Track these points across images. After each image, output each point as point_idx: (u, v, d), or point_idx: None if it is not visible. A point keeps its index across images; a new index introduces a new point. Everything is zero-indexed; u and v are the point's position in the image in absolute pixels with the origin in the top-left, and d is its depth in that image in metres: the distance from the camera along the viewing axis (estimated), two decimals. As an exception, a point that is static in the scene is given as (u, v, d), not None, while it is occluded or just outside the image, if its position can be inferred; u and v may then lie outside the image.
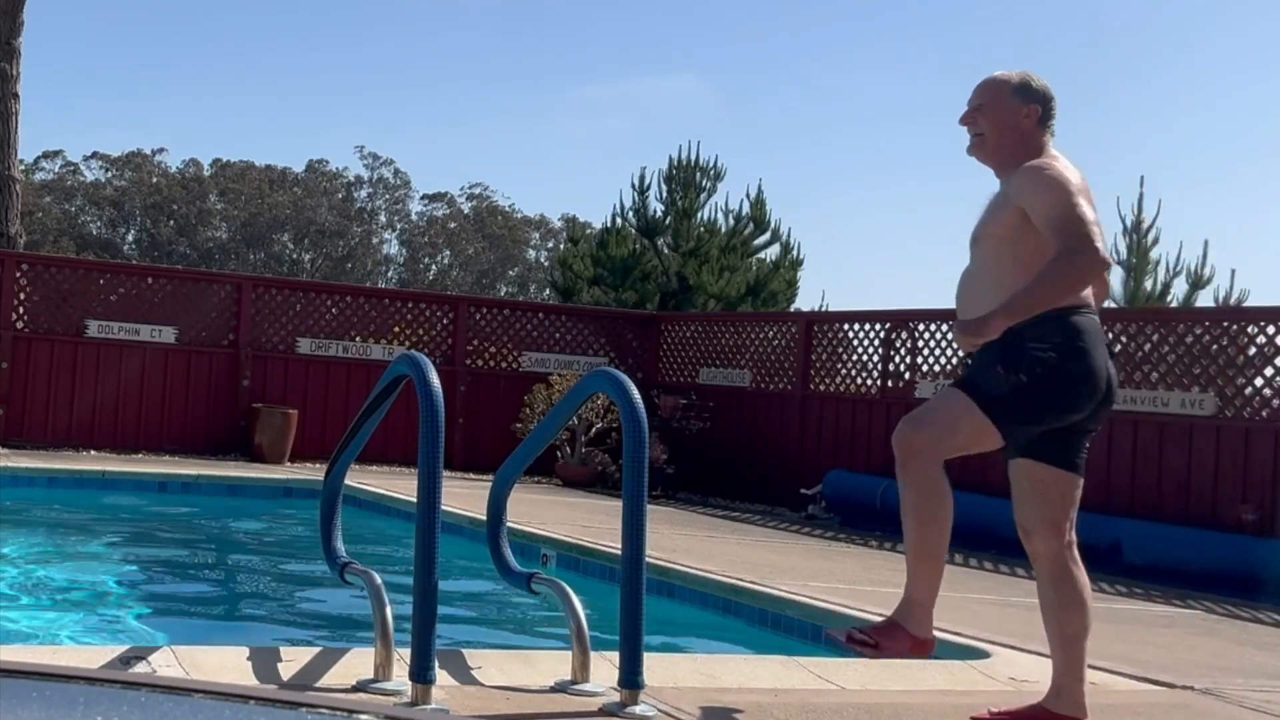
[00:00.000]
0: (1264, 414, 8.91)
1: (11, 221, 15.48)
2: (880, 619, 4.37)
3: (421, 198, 60.58)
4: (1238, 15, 72.88)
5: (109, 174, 57.09)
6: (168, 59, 77.12)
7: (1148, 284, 15.88)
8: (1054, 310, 3.87)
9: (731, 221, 18.97)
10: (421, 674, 3.62)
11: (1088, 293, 3.97)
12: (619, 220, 19.19)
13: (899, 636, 4.07)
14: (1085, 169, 4.05)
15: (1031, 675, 4.84)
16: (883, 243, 77.66)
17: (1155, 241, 15.99)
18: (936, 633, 5.38)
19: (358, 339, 13.56)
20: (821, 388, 12.49)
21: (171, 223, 55.57)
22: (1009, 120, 4.06)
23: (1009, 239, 3.99)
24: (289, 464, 12.39)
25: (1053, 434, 3.96)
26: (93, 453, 12.04)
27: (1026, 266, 3.88)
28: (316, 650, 4.17)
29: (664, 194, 18.98)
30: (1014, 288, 3.88)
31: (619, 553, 3.96)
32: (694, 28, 79.44)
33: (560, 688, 4.03)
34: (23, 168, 17.78)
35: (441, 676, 3.83)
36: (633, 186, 19.11)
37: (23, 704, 1.09)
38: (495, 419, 13.21)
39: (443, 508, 3.85)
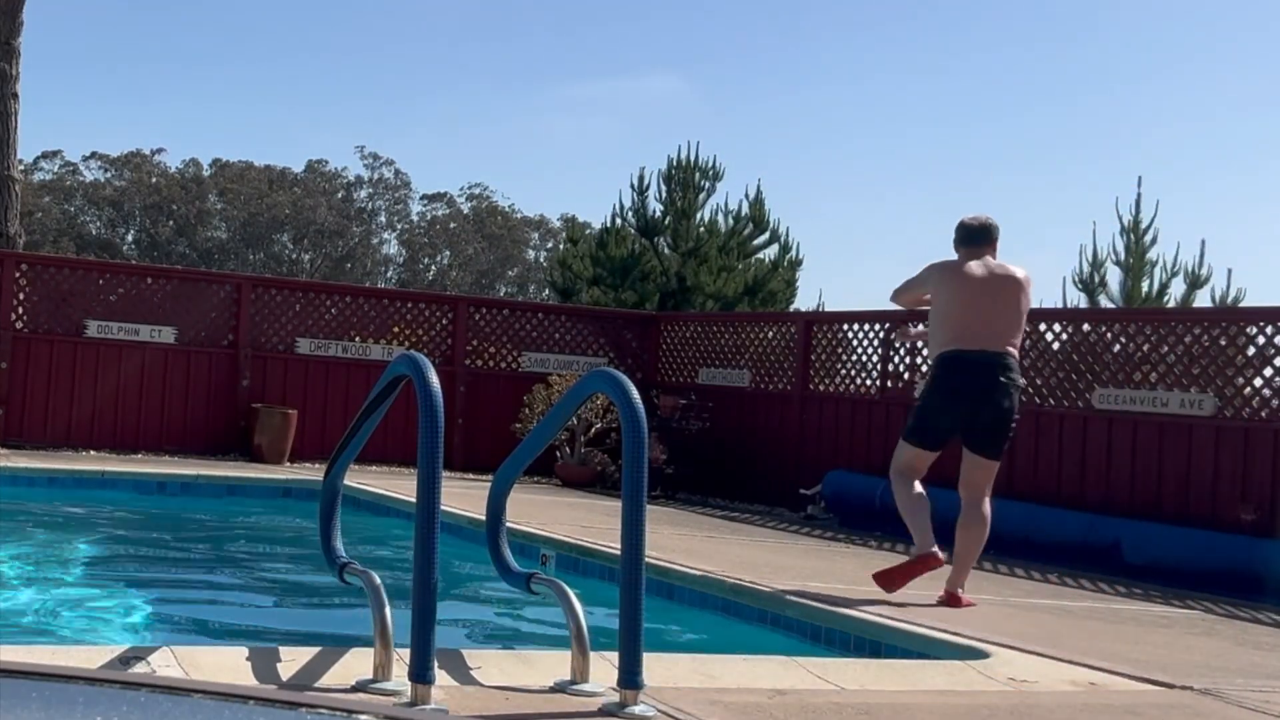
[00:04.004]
0: (1264, 414, 8.91)
1: (11, 221, 15.48)
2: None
3: (421, 198, 60.52)
4: (1237, 15, 72.88)
5: (108, 174, 57.02)
6: (168, 59, 77.09)
7: (1145, 284, 15.90)
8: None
9: (731, 222, 18.96)
10: (421, 674, 3.62)
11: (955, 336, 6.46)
12: (618, 220, 19.18)
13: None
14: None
15: (1030, 675, 4.84)
16: (882, 243, 77.64)
17: (1153, 242, 16.02)
18: (935, 632, 5.51)
19: (357, 339, 13.56)
20: (821, 388, 12.48)
21: (171, 223, 55.54)
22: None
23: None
24: (288, 464, 12.39)
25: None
26: (92, 453, 12.04)
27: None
28: (316, 650, 4.17)
29: (663, 194, 18.95)
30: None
31: (619, 553, 3.96)
32: (694, 28, 79.44)
33: (560, 688, 4.03)
34: (22, 168, 17.78)
35: (441, 676, 3.83)
36: (632, 187, 19.11)
37: (23, 704, 1.09)
38: (495, 419, 13.21)
39: (442, 508, 3.85)
